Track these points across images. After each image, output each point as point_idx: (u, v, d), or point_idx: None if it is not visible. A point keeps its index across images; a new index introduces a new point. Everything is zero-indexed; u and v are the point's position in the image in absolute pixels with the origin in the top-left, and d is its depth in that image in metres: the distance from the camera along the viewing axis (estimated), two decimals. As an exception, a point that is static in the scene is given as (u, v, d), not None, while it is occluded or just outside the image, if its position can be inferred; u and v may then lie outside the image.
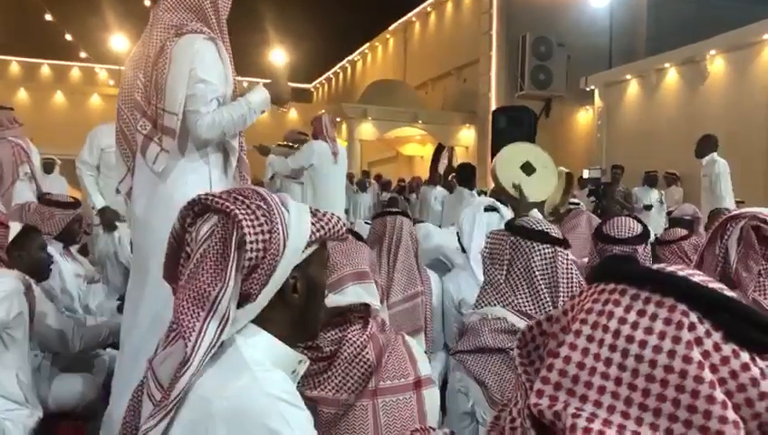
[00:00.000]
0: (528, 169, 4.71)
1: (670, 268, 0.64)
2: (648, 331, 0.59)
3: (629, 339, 0.60)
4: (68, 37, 21.69)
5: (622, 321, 0.61)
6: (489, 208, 3.19)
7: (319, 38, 22.81)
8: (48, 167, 9.63)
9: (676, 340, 0.58)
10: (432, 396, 1.66)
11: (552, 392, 0.61)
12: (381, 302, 2.59)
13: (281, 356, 1.17)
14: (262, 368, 1.10)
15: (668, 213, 6.34)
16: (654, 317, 0.60)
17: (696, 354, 0.57)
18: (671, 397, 0.57)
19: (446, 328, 3.01)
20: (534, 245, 1.89)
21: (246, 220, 1.11)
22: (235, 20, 2.69)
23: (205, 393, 1.06)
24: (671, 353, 0.58)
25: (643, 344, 0.59)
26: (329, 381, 1.57)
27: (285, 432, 1.04)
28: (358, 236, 1.87)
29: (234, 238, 1.10)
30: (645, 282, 0.62)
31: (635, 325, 0.60)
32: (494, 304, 1.88)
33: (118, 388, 2.53)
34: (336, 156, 5.36)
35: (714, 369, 0.57)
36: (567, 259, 1.90)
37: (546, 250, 1.89)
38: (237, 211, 1.11)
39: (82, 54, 22.92)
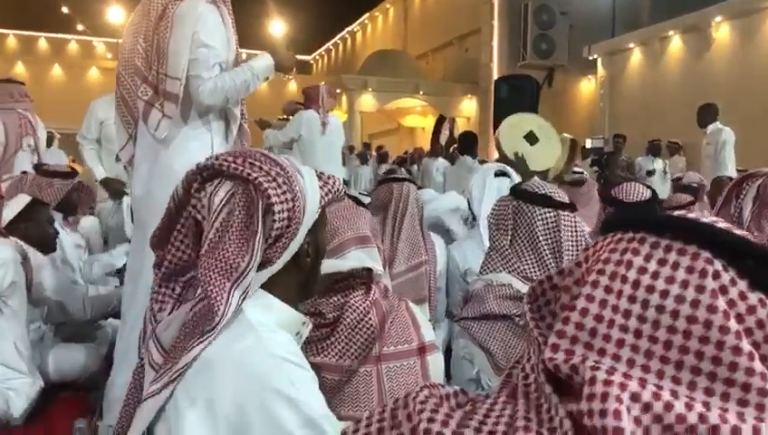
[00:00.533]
0: (531, 138, 4.68)
1: (692, 215, 0.60)
2: (670, 280, 0.56)
3: (650, 289, 0.57)
4: (65, 10, 21.46)
5: (642, 270, 0.58)
6: (499, 174, 3.13)
7: (318, 9, 22.55)
8: (47, 140, 9.53)
9: (700, 289, 0.55)
10: (436, 362, 1.65)
11: (567, 346, 0.58)
12: (384, 269, 2.57)
13: (286, 318, 1.17)
14: (266, 329, 1.10)
15: (676, 179, 6.27)
16: (676, 266, 0.57)
17: (721, 303, 0.54)
18: (694, 349, 0.54)
19: (450, 296, 2.99)
20: (537, 209, 1.86)
21: (271, 189, 1.09)
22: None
23: (209, 355, 1.05)
24: (695, 303, 0.55)
25: (665, 294, 0.56)
26: (332, 347, 1.55)
27: (290, 392, 1.03)
28: (358, 202, 1.84)
29: (260, 207, 1.08)
30: (665, 229, 0.59)
31: (655, 275, 0.57)
32: (500, 271, 1.86)
33: (119, 358, 2.53)
34: (325, 126, 5.26)
35: (740, 319, 0.55)
36: (572, 223, 1.86)
37: (548, 214, 1.85)
38: (260, 178, 1.09)
39: (80, 27, 22.69)
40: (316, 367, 1.52)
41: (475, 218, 3.04)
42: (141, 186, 2.52)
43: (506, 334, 1.80)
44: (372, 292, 1.61)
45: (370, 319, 1.57)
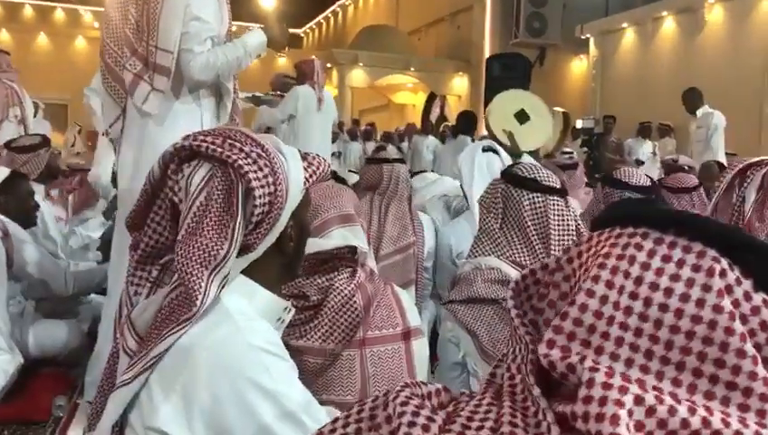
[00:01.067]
0: (522, 117, 4.64)
1: (692, 212, 0.58)
2: (675, 278, 0.54)
3: (653, 286, 0.54)
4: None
5: (645, 266, 0.55)
6: (487, 149, 3.08)
7: (310, -19, 22.29)
8: (31, 111, 9.40)
9: (707, 288, 0.53)
10: (421, 347, 1.63)
11: (564, 343, 0.56)
12: (369, 251, 2.53)
13: (266, 305, 1.13)
14: (245, 317, 1.06)
15: (673, 161, 6.27)
16: (681, 263, 0.54)
17: (727, 304, 0.52)
18: (697, 350, 0.52)
19: (438, 278, 2.96)
20: (524, 193, 1.82)
21: (252, 172, 1.04)
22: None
23: (184, 344, 1.02)
24: (700, 302, 0.53)
25: (669, 292, 0.54)
26: (316, 330, 1.52)
27: (267, 383, 1.00)
28: (340, 180, 1.81)
29: (239, 191, 1.04)
30: (669, 224, 0.56)
31: (659, 272, 0.55)
32: (489, 254, 1.83)
33: (104, 329, 2.49)
34: (321, 103, 5.21)
35: (744, 319, 0.53)
36: (561, 208, 1.82)
37: (537, 199, 1.81)
38: (240, 161, 1.04)
39: (67, -5, 22.27)
40: (299, 350, 1.50)
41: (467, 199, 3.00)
42: (129, 160, 2.48)
43: (493, 319, 1.77)
44: (358, 274, 1.58)
45: (355, 302, 1.54)
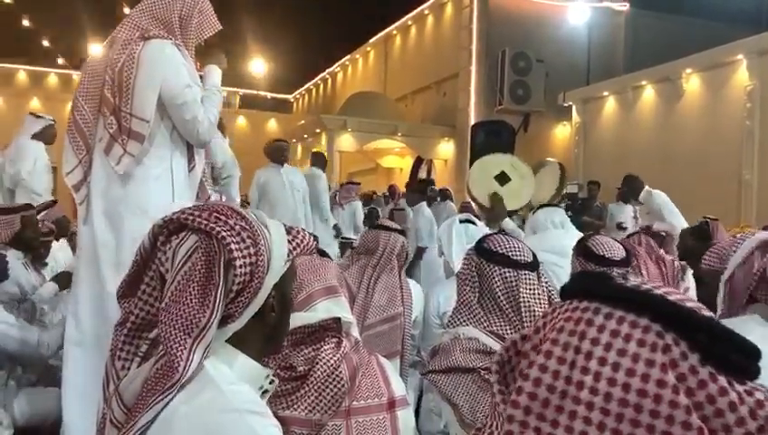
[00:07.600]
0: (503, 178, 4.71)
1: (647, 285, 0.62)
2: (622, 353, 0.57)
3: (602, 361, 0.58)
4: (45, 43, 21.45)
5: (595, 342, 0.59)
6: (463, 221, 3.17)
7: (299, 50, 22.81)
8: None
9: (650, 363, 0.56)
10: (406, 417, 1.64)
11: (522, 417, 0.59)
12: (358, 323, 2.56)
13: (248, 372, 1.15)
14: (226, 382, 1.08)
15: (646, 228, 6.33)
16: (628, 338, 0.58)
17: (670, 378, 0.55)
18: (645, 423, 0.55)
19: (425, 342, 2.98)
20: (495, 268, 1.83)
21: (234, 243, 1.08)
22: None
23: (169, 412, 1.03)
24: (645, 377, 0.56)
25: (616, 367, 0.57)
26: (301, 400, 1.54)
27: None
28: (321, 253, 1.86)
29: (221, 261, 1.07)
30: (619, 300, 0.60)
31: (608, 347, 0.58)
32: (467, 324, 1.86)
33: (68, 401, 2.42)
34: None
35: (690, 393, 0.56)
36: (533, 282, 1.84)
37: (508, 274, 1.82)
38: (223, 232, 1.09)
39: (60, 61, 22.65)
40: (285, 421, 1.52)
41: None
42: (103, 214, 2.49)
43: (472, 388, 1.78)
44: (343, 345, 1.61)
45: (341, 373, 1.56)
